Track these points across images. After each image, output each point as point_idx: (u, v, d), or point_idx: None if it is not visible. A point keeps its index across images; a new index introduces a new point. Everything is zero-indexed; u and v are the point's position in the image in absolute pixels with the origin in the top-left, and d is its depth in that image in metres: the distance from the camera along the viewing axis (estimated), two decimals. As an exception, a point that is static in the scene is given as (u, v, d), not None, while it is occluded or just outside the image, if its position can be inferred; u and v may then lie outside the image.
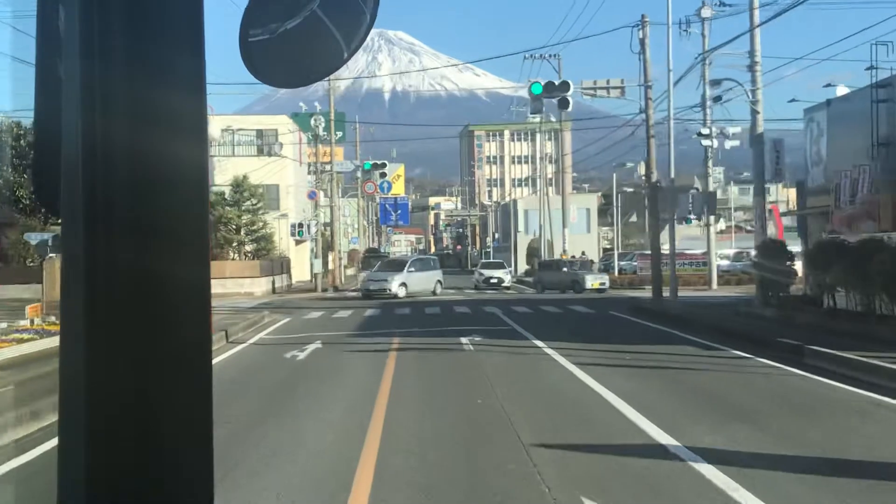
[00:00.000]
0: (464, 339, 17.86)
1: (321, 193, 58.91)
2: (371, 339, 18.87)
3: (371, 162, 41.91)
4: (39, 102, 1.23)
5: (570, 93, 24.78)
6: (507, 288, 43.86)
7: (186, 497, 1.03)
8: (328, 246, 48.73)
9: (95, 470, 0.99)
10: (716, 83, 25.03)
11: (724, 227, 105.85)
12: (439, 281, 38.48)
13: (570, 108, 24.60)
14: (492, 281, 44.55)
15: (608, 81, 25.96)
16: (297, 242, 56.14)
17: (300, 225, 43.79)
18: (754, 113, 24.06)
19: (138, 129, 1.00)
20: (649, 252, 54.45)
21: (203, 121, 1.05)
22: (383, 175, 41.93)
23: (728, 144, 35.14)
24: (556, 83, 24.62)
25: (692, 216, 26.29)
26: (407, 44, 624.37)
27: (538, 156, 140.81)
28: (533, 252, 74.18)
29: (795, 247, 24.95)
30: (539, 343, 17.08)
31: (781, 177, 24.34)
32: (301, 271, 56.14)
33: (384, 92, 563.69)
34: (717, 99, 24.47)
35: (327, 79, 33.40)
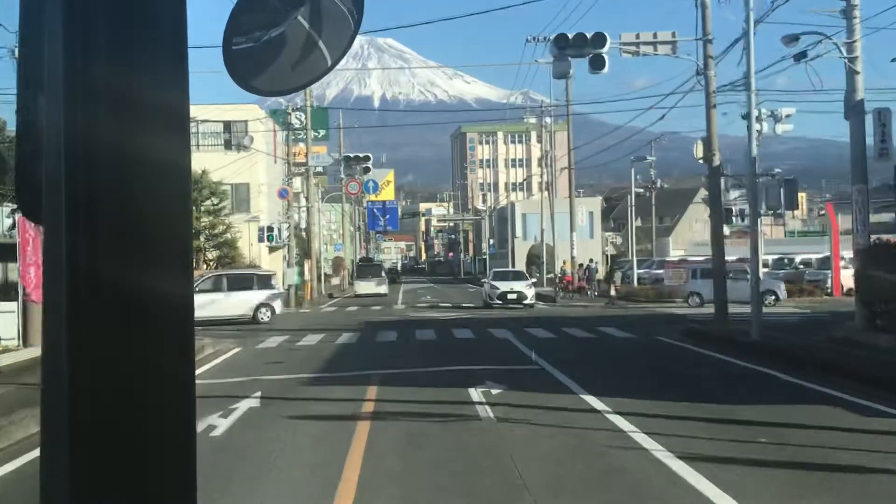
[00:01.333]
0: (474, 393, 11.73)
1: (299, 194, 53.13)
2: (335, 388, 12.74)
3: (353, 154, 35.71)
4: (22, 111, 1.19)
5: (605, 49, 18.75)
6: (531, 306, 32.98)
7: (171, 480, 1.02)
8: (305, 253, 42.56)
9: (79, 479, 0.98)
10: (793, 39, 19.06)
11: (728, 232, 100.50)
12: (265, 306, 27.49)
13: (605, 70, 18.55)
14: (510, 297, 32.84)
15: (655, 35, 19.98)
16: (272, 249, 50.00)
17: (270, 228, 37.62)
18: (852, 73, 18.08)
19: (121, 134, 0.99)
20: (671, 259, 48.35)
21: (186, 127, 1.04)
22: (367, 170, 35.86)
23: (780, 129, 29.10)
24: (588, 36, 18.59)
25: (767, 210, 20.32)
26: (396, 51, 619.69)
27: (538, 155, 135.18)
28: (533, 259, 68.24)
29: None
30: (593, 401, 10.96)
31: (888, 157, 18.36)
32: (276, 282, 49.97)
33: (374, 99, 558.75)
34: (800, 56, 18.47)
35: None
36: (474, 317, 28.21)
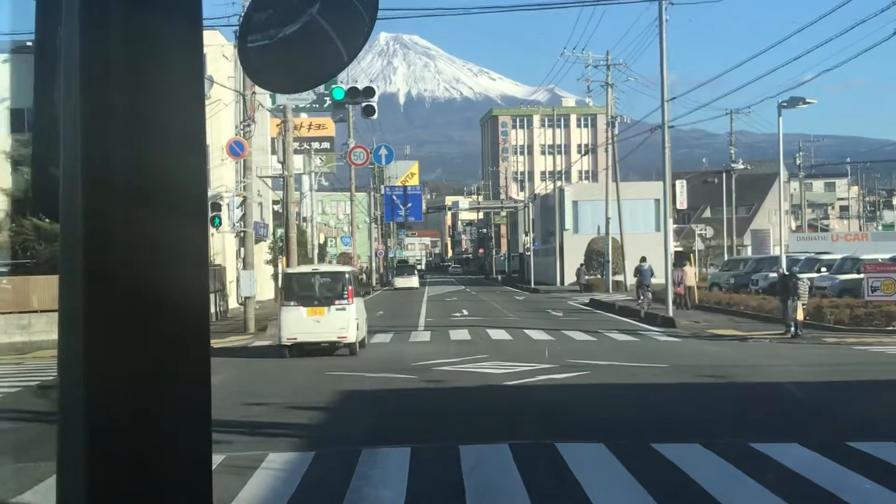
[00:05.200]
0: None
1: (301, 176, 41.14)
2: None
3: (343, 87, 21.47)
4: (39, 109, 1.21)
5: None
6: None
7: (186, 497, 1.03)
8: (283, 249, 28.55)
9: (95, 484, 0.98)
10: None
11: (794, 226, 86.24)
12: None
13: None
14: None
15: None
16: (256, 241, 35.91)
17: (216, 206, 23.54)
18: None
19: (137, 138, 1.00)
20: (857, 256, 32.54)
21: (202, 132, 1.06)
22: (370, 112, 21.86)
23: None
24: None
25: None
26: (422, 48, 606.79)
27: (578, 141, 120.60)
28: (593, 257, 53.86)
29: None
30: None
31: None
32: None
33: (399, 96, 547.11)
34: None
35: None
36: (575, 381, 13.49)
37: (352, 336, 16.80)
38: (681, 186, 48.91)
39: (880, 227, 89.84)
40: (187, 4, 1.04)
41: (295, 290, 17.49)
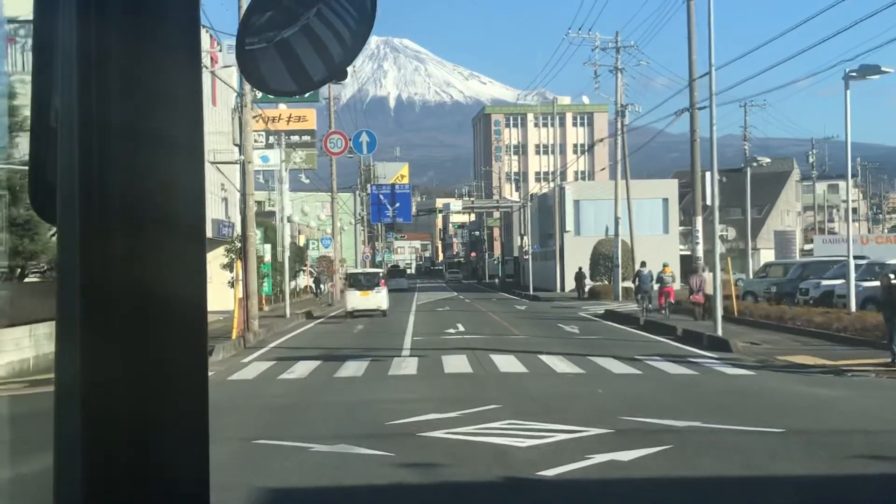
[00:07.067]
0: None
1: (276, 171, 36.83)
2: None
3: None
4: (37, 114, 1.21)
5: None
6: None
7: (183, 500, 1.03)
8: (240, 250, 23.62)
9: (91, 472, 0.98)
10: None
11: (800, 227, 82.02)
12: None
13: None
14: None
15: None
16: (213, 244, 30.91)
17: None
18: None
19: (134, 143, 1.00)
20: None
21: (200, 137, 1.05)
22: (341, 76, 17.39)
23: None
24: None
25: None
26: (412, 52, 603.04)
27: (573, 140, 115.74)
28: (599, 260, 48.98)
29: None
30: None
31: None
32: (216, 296, 31.10)
33: (389, 100, 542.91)
34: None
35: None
36: (657, 471, 8.54)
37: (384, 306, 30.88)
38: (710, 178, 44.13)
39: (885, 231, 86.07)
40: (185, 7, 1.02)
41: (353, 281, 31.14)
